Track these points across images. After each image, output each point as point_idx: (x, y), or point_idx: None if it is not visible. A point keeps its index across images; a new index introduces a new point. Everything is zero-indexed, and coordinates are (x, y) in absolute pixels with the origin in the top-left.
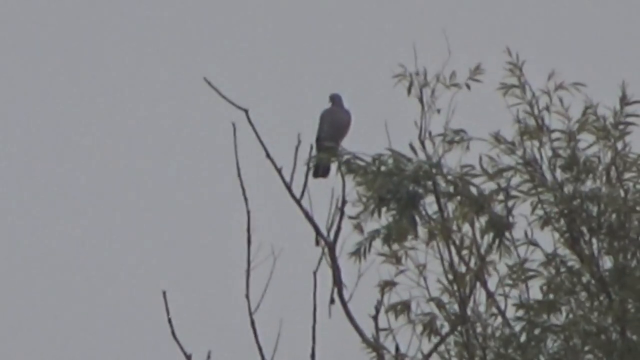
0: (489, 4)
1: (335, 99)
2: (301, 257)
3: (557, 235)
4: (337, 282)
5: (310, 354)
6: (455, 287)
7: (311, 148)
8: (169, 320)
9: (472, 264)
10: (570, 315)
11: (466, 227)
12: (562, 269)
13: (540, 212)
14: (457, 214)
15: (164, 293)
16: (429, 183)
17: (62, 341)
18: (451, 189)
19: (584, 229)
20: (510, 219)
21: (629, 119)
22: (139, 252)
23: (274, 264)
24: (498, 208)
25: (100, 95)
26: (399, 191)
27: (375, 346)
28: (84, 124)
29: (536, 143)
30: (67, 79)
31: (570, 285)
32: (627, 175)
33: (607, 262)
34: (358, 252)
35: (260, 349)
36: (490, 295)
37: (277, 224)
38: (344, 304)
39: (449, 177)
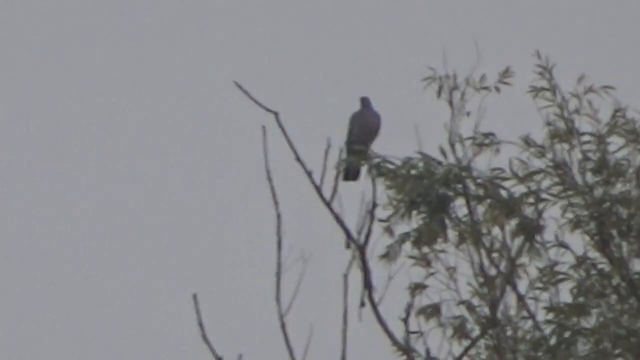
0: (519, 8)
1: (365, 102)
2: (332, 261)
3: (587, 238)
4: (368, 285)
5: (341, 357)
6: (486, 290)
7: (341, 151)
8: (200, 324)
9: (502, 267)
10: (601, 319)
11: (496, 230)
12: (593, 272)
13: (570, 215)
14: (487, 217)
15: (195, 296)
16: (459, 186)
17: (94, 345)
18: (481, 192)
19: (614, 232)
20: (541, 222)
21: None
22: (171, 255)
23: (305, 267)
24: (528, 211)
25: (132, 98)
26: (430, 194)
27: (405, 349)
28: (120, 126)
29: (566, 146)
30: (100, 79)
31: (600, 289)
32: None
33: (637, 265)
34: (388, 255)
35: (291, 352)
36: (520, 298)
37: (308, 228)
38: (374, 307)
39: (479, 181)
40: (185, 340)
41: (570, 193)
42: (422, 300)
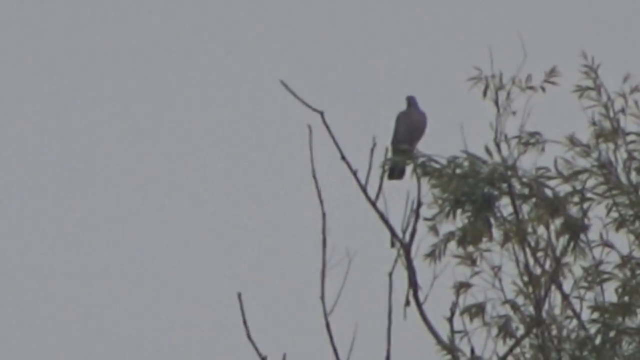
0: (564, 7)
1: (411, 101)
2: (376, 259)
3: (632, 237)
4: (412, 284)
5: (386, 356)
6: (531, 289)
7: (386, 150)
8: (245, 322)
9: (547, 266)
10: None
11: (541, 229)
12: (637, 271)
13: (615, 214)
14: (532, 216)
15: (239, 295)
16: (504, 185)
17: (141, 344)
18: (526, 191)
19: None
20: (586, 221)
21: None
22: (215, 254)
23: (349, 265)
24: (573, 210)
25: (178, 99)
26: (474, 193)
27: (450, 348)
28: (160, 126)
29: (611, 145)
30: (140, 81)
31: None
32: None
33: None
34: (433, 254)
35: (335, 351)
36: (565, 297)
37: (352, 226)
38: (419, 305)
39: (524, 180)
40: (229, 339)
41: (614, 192)
42: (467, 299)
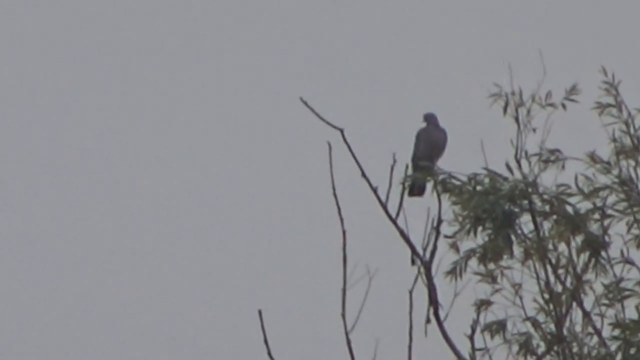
0: (584, 24)
1: (429, 119)
2: (397, 277)
3: None
4: (433, 301)
5: None
6: (551, 307)
7: (407, 167)
8: (265, 340)
9: (568, 283)
10: None
11: (562, 246)
12: None
13: (636, 231)
14: (553, 233)
15: (260, 312)
16: (525, 202)
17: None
18: (547, 208)
19: None
20: (606, 238)
21: None
22: (237, 272)
23: (370, 283)
24: (594, 227)
25: (200, 111)
26: (495, 210)
27: None
28: (186, 137)
29: (632, 162)
30: (155, 87)
31: None
32: None
33: None
34: (454, 271)
35: None
36: (586, 314)
37: (373, 244)
38: (439, 323)
39: (545, 196)
40: (251, 357)
41: (635, 209)
42: (488, 317)
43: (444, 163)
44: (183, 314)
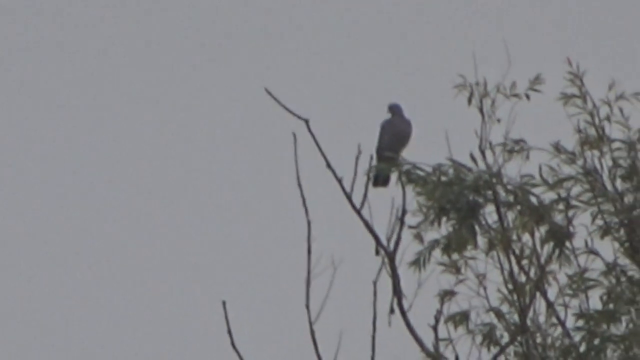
0: (549, 15)
1: (394, 109)
2: (361, 267)
3: (617, 244)
4: (397, 291)
5: None
6: (515, 297)
7: (371, 158)
8: (229, 331)
9: (532, 274)
10: (630, 325)
11: (526, 237)
12: (622, 279)
13: (600, 221)
14: (517, 223)
15: (224, 303)
16: (489, 193)
17: (121, 352)
18: (511, 198)
19: None
20: (571, 228)
21: None
22: (200, 261)
23: (334, 273)
24: (558, 218)
25: (161, 106)
26: (459, 201)
27: (434, 356)
28: (150, 132)
29: (596, 153)
30: (120, 86)
31: (630, 295)
32: None
33: None
34: (418, 262)
35: (320, 359)
36: (550, 305)
37: (337, 234)
38: (403, 313)
39: (509, 187)
40: (214, 348)
41: (600, 200)
42: (451, 307)
43: (409, 154)
44: (145, 304)
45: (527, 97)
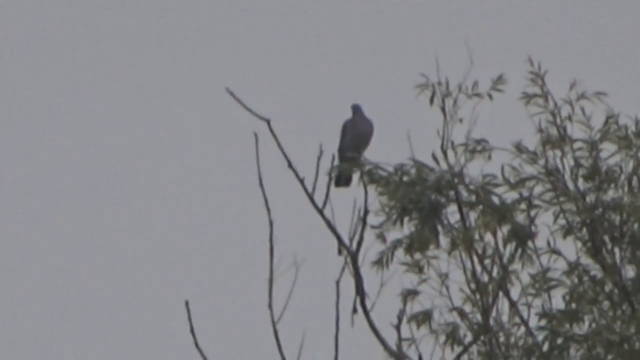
0: (511, 14)
1: (356, 109)
2: (323, 267)
3: (579, 244)
4: (360, 291)
5: None
6: (478, 297)
7: (333, 158)
8: (192, 331)
9: (494, 274)
10: (593, 325)
11: (488, 237)
12: (585, 278)
13: (562, 221)
14: (479, 223)
15: (187, 303)
16: (451, 192)
17: (88, 352)
18: (473, 198)
19: (606, 238)
20: (533, 228)
21: None
22: (161, 262)
23: (297, 273)
24: (520, 217)
25: (121, 105)
26: (421, 201)
27: (397, 356)
28: (113, 130)
29: (558, 153)
30: (87, 86)
31: (592, 295)
32: None
33: (629, 272)
34: (380, 262)
35: (283, 358)
36: (512, 304)
37: (300, 234)
38: (366, 313)
39: (471, 187)
40: (177, 348)
41: (562, 199)
42: (414, 307)
43: (371, 153)
44: (109, 306)
45: (490, 96)
